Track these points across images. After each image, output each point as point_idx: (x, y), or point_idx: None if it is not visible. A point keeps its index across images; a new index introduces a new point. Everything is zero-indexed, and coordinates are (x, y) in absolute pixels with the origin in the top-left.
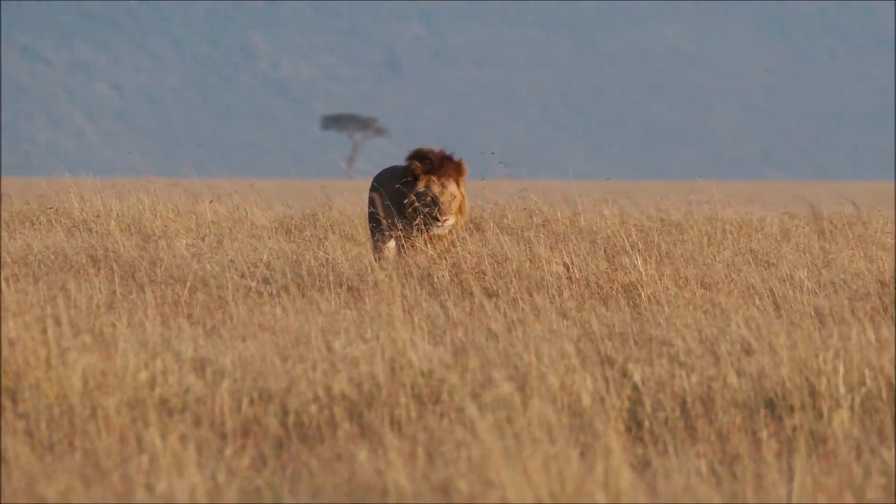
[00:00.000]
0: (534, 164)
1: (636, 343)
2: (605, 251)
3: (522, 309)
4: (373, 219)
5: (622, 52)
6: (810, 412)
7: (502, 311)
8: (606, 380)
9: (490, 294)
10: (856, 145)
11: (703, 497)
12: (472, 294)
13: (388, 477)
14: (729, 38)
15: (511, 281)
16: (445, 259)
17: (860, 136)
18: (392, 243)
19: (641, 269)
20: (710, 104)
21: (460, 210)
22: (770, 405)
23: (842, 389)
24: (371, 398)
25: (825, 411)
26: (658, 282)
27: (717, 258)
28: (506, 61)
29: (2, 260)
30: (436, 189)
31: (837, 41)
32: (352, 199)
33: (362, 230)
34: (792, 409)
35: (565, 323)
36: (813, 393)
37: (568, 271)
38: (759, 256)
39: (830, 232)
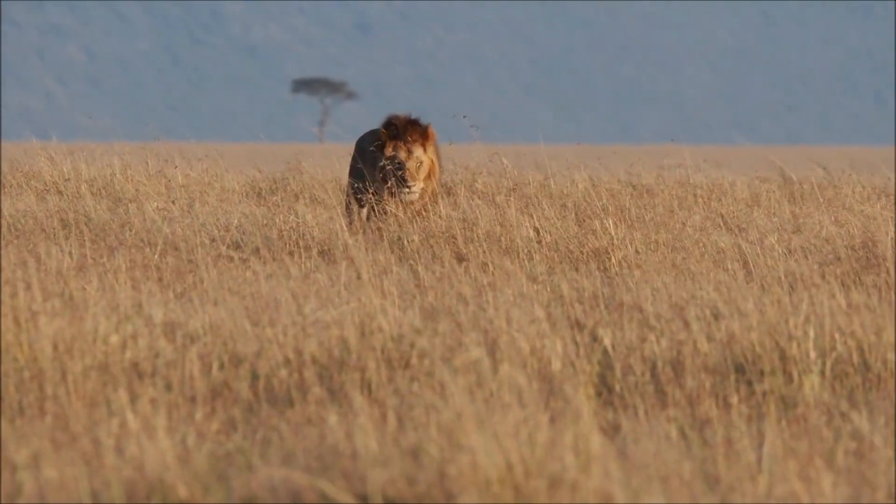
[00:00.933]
0: (504, 127)
1: (606, 307)
2: (575, 215)
3: (493, 273)
4: (350, 181)
5: (591, 15)
6: (780, 377)
7: (472, 275)
8: (577, 344)
9: (460, 258)
10: (825, 109)
11: (673, 461)
12: (442, 259)
13: (359, 441)
14: (697, 1)
15: (481, 245)
16: (415, 223)
17: (829, 100)
18: (363, 208)
19: (613, 233)
20: (680, 68)
21: (430, 175)
22: (740, 370)
23: (812, 354)
24: (341, 362)
25: (795, 376)
26: (629, 246)
27: (688, 223)
28: (476, 24)
29: None
30: (402, 154)
31: (807, 5)
32: (323, 163)
33: (333, 194)
34: (762, 373)
35: (535, 287)
36: (783, 357)
37: (538, 235)
38: (730, 221)
39: (801, 196)
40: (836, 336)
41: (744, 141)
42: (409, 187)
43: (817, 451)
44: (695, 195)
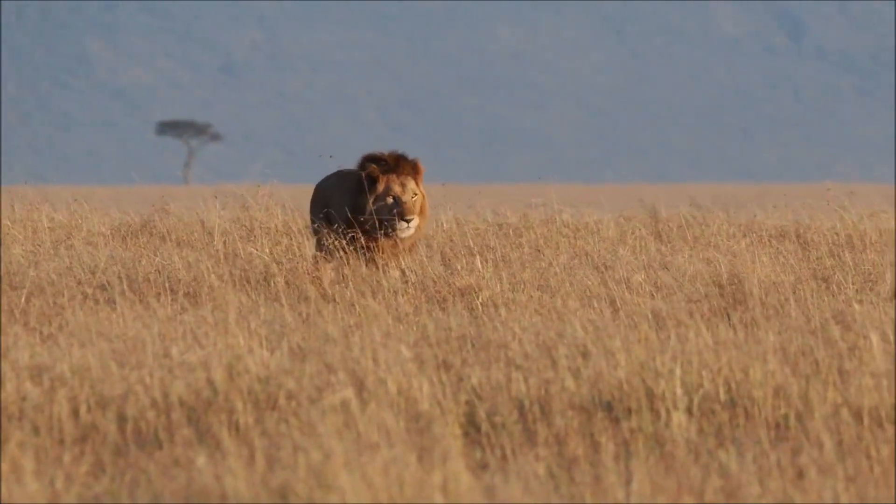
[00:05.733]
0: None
1: (473, 347)
2: (441, 255)
3: (359, 314)
4: (319, 230)
5: (458, 54)
6: (648, 415)
7: (339, 316)
8: (444, 384)
9: (327, 299)
10: (693, 147)
11: (542, 500)
12: (308, 299)
13: (227, 482)
14: (564, 38)
15: (347, 285)
16: (405, 263)
17: (697, 137)
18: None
19: (480, 268)
20: (548, 106)
21: (422, 211)
22: (608, 408)
23: (679, 392)
24: (209, 404)
25: (663, 414)
26: (496, 285)
27: (554, 262)
28: (342, 64)
29: None
30: (397, 189)
31: (673, 41)
32: (189, 204)
33: (198, 236)
34: (630, 411)
35: (402, 327)
36: (650, 395)
37: (404, 275)
38: (596, 259)
39: (667, 234)
40: (704, 373)
41: (612, 179)
42: (407, 221)
43: (685, 489)
44: (560, 233)
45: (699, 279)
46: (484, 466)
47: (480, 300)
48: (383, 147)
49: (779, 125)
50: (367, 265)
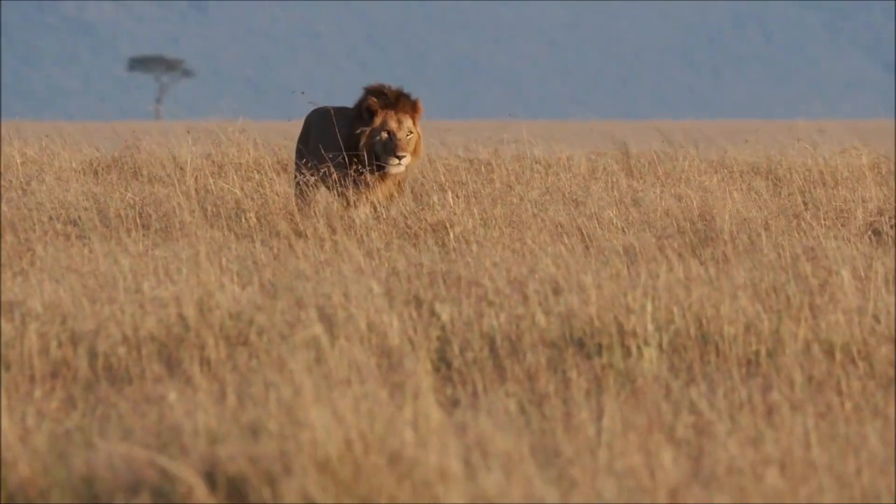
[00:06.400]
0: (342, 102)
1: (444, 282)
2: (412, 190)
3: (330, 250)
4: (303, 159)
5: None
6: (619, 351)
7: (310, 252)
8: (414, 319)
9: (298, 234)
10: (660, 83)
11: (513, 436)
12: (279, 235)
13: (198, 418)
14: None
15: (318, 221)
16: (391, 202)
17: (665, 74)
18: (322, 188)
19: (452, 204)
20: (514, 43)
21: (415, 150)
22: (579, 344)
23: (650, 328)
24: (180, 340)
25: (634, 350)
26: (467, 221)
27: (526, 197)
28: (310, 0)
29: None
30: (392, 124)
31: None
32: (161, 140)
33: (172, 172)
34: (601, 347)
35: (373, 263)
36: (622, 332)
37: (375, 211)
38: (568, 195)
39: (638, 170)
40: (675, 309)
41: (580, 115)
42: (398, 157)
43: (656, 425)
44: (532, 169)
45: (670, 215)
46: (455, 402)
47: (452, 236)
48: (350, 83)
49: (747, 62)
50: (352, 199)
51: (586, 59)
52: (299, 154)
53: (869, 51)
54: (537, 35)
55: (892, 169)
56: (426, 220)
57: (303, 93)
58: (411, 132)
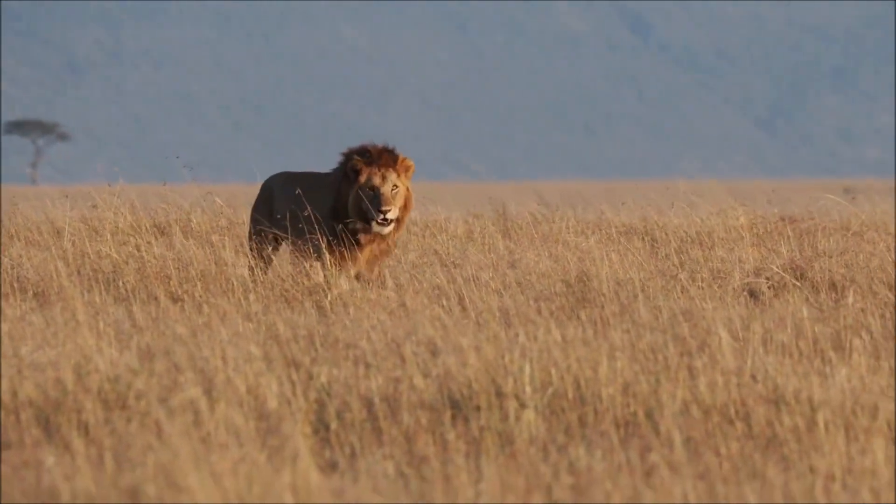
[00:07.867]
0: (217, 166)
1: (322, 345)
2: (290, 254)
3: (208, 314)
4: (259, 230)
5: (300, 52)
6: (497, 412)
7: (188, 315)
8: (293, 382)
9: (175, 298)
10: (535, 143)
11: (391, 499)
12: (157, 299)
13: (77, 482)
14: (407, 36)
15: (196, 285)
16: (376, 267)
17: (539, 134)
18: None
19: (329, 266)
20: (391, 104)
21: (405, 206)
22: (457, 406)
23: (528, 389)
24: (58, 404)
25: (512, 411)
26: (344, 283)
27: (403, 260)
28: (184, 61)
29: None
30: (377, 180)
31: (516, 37)
32: (37, 204)
33: (49, 236)
34: (479, 409)
35: (251, 326)
36: (499, 393)
37: (253, 274)
38: (445, 257)
39: (516, 231)
40: (553, 371)
41: (455, 176)
42: (383, 212)
43: (535, 487)
44: (409, 231)
45: (548, 277)
46: (333, 465)
47: (329, 298)
48: (223, 143)
49: (623, 122)
50: (345, 268)
51: (462, 120)
52: (256, 222)
53: (742, 109)
54: (412, 95)
55: (769, 229)
56: (303, 284)
57: (178, 157)
58: (396, 186)
